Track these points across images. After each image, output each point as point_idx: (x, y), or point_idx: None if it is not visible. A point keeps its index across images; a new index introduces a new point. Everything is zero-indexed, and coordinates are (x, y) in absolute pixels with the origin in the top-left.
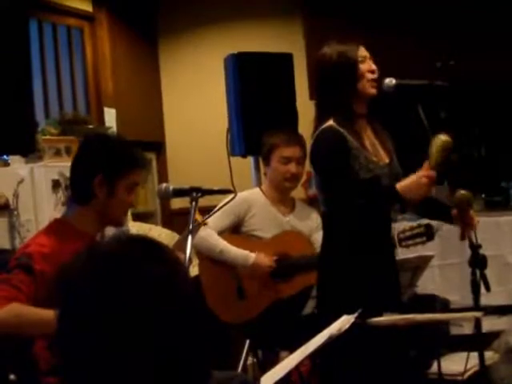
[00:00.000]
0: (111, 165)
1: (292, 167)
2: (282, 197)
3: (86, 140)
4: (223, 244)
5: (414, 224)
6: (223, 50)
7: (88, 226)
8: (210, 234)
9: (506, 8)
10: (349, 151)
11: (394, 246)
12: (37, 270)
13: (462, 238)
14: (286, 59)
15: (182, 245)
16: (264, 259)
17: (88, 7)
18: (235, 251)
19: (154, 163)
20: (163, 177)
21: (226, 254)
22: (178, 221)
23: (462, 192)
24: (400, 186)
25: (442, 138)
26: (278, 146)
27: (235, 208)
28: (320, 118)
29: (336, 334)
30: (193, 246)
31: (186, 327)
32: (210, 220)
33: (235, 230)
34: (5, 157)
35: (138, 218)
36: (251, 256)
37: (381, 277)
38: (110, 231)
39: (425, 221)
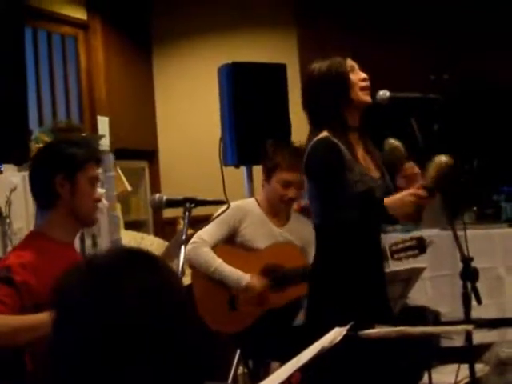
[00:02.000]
0: (68, 161)
1: (291, 192)
2: (276, 210)
3: (38, 151)
4: (218, 263)
5: (407, 237)
6: (217, 60)
7: (61, 233)
8: (205, 252)
9: (499, 22)
10: (344, 162)
11: (385, 259)
12: (17, 281)
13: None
14: (279, 70)
15: (170, 253)
16: (257, 282)
17: (82, 15)
18: (229, 271)
19: (147, 171)
20: (155, 185)
21: (220, 274)
22: (170, 230)
23: (391, 141)
24: (387, 200)
25: (442, 158)
26: (281, 168)
27: (230, 218)
28: (314, 130)
29: (328, 346)
30: (186, 259)
31: (183, 337)
32: (206, 231)
33: (229, 240)
34: None
35: (130, 226)
36: (245, 278)
37: (371, 289)
38: (104, 240)
39: (417, 234)
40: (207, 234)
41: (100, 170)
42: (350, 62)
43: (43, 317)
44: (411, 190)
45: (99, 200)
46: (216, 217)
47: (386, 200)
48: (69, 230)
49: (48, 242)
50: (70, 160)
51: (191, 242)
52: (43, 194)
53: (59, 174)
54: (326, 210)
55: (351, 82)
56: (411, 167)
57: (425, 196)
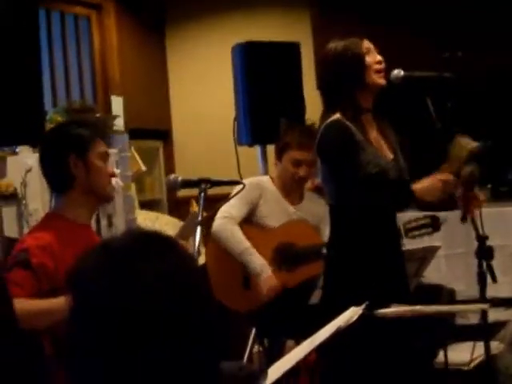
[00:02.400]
0: (77, 141)
1: (301, 170)
2: (290, 188)
3: (45, 136)
4: (247, 245)
5: (420, 215)
6: (231, 39)
7: (79, 214)
8: (235, 230)
9: None
10: (357, 144)
11: (401, 237)
12: (35, 264)
13: (463, 218)
14: (293, 48)
15: (184, 233)
16: (272, 281)
17: None
18: (256, 258)
19: (161, 151)
20: (170, 165)
21: (246, 257)
22: (185, 209)
23: (471, 168)
24: (416, 186)
25: (471, 145)
26: (291, 146)
27: (250, 194)
28: (326, 112)
29: (344, 326)
30: (212, 231)
31: (199, 320)
32: (233, 207)
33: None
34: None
35: (145, 205)
36: (267, 272)
37: (388, 267)
38: (119, 220)
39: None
40: (235, 209)
41: (115, 150)
42: (366, 44)
43: (61, 301)
44: (439, 176)
45: (113, 175)
46: (232, 197)
47: (415, 185)
48: (86, 210)
49: (66, 223)
50: (79, 139)
51: (220, 216)
52: (58, 176)
53: (71, 154)
54: (340, 191)
55: (366, 64)
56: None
57: (452, 182)
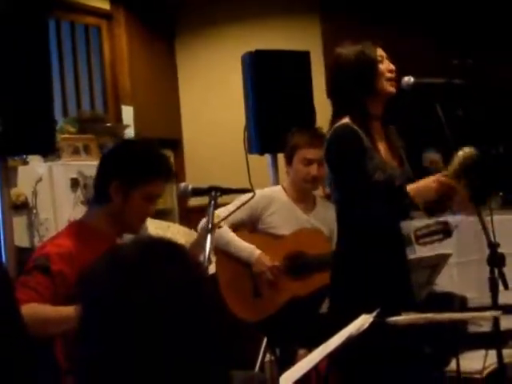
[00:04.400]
0: (127, 174)
1: (313, 169)
2: (303, 195)
3: (117, 143)
4: (231, 236)
5: (431, 221)
6: (241, 48)
7: (105, 227)
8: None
9: None
10: (365, 151)
11: (409, 244)
12: (54, 271)
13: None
14: (303, 57)
15: (198, 244)
16: (266, 257)
17: (106, 5)
18: (243, 244)
19: (172, 160)
20: (180, 174)
21: (235, 247)
22: (196, 218)
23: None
24: (410, 186)
25: (466, 150)
26: (300, 146)
27: (252, 204)
28: (335, 117)
29: (355, 334)
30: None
31: (208, 327)
32: (225, 210)
33: (252, 227)
34: (23, 155)
35: (156, 215)
36: (257, 251)
37: (394, 275)
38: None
39: (442, 218)
40: (227, 212)
41: None
42: (380, 52)
43: (72, 309)
44: (434, 177)
45: (151, 215)
46: (242, 204)
47: (409, 186)
48: (113, 227)
49: (91, 231)
50: (129, 173)
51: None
52: (97, 188)
53: (115, 180)
54: (347, 198)
55: (379, 70)
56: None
57: (447, 182)
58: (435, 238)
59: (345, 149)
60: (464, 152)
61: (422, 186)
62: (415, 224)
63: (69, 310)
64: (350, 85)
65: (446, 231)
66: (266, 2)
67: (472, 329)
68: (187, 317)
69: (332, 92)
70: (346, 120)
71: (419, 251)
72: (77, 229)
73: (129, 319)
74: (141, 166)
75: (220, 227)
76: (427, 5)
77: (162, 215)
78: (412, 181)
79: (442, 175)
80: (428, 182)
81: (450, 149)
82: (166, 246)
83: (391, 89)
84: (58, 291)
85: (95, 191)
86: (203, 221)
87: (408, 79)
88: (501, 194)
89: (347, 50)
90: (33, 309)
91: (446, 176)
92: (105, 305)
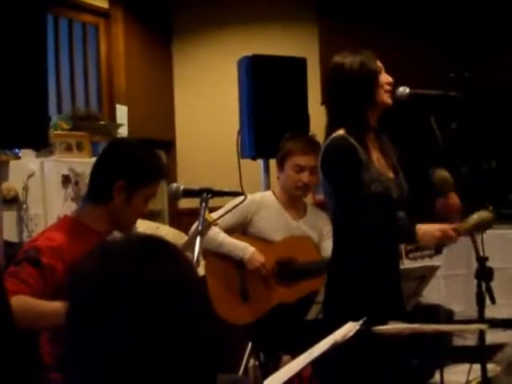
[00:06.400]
0: (135, 175)
1: (304, 177)
2: (293, 201)
3: (114, 142)
4: (223, 237)
5: None
6: (237, 52)
7: (99, 224)
8: (212, 229)
9: None
10: (361, 163)
11: (401, 258)
12: (45, 264)
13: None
14: (299, 63)
15: (189, 245)
16: (259, 256)
17: (104, 4)
18: (236, 242)
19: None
20: (172, 175)
21: (227, 246)
22: (186, 221)
23: (442, 172)
24: (420, 228)
25: (483, 214)
26: (293, 153)
27: (243, 208)
28: (331, 126)
29: (340, 341)
30: (189, 235)
31: (198, 327)
32: (216, 214)
33: (242, 232)
34: (16, 150)
35: (146, 216)
36: (251, 248)
37: (386, 286)
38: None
39: None
40: (217, 216)
41: None
42: (378, 63)
43: (60, 304)
44: (444, 228)
45: (145, 215)
46: (232, 208)
47: (419, 228)
48: (106, 224)
49: (83, 227)
50: (138, 175)
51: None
52: (100, 189)
53: (121, 181)
54: (344, 208)
55: (379, 82)
56: (455, 199)
57: (453, 237)
58: (426, 253)
59: (340, 161)
60: (480, 214)
61: (429, 232)
62: None
63: (58, 305)
64: (350, 95)
65: (436, 247)
66: (264, 7)
67: (457, 342)
68: (179, 311)
69: (329, 100)
70: (341, 132)
71: (407, 265)
72: (69, 224)
73: (118, 313)
74: (147, 169)
75: (216, 224)
76: (426, 14)
77: (151, 216)
78: (406, 191)
79: (452, 228)
80: (434, 230)
81: (444, 163)
82: (156, 242)
83: (389, 100)
84: (46, 285)
85: (93, 189)
86: (195, 225)
87: (403, 89)
88: (491, 207)
89: (348, 59)
90: (22, 301)
91: (456, 230)
92: (91, 300)
